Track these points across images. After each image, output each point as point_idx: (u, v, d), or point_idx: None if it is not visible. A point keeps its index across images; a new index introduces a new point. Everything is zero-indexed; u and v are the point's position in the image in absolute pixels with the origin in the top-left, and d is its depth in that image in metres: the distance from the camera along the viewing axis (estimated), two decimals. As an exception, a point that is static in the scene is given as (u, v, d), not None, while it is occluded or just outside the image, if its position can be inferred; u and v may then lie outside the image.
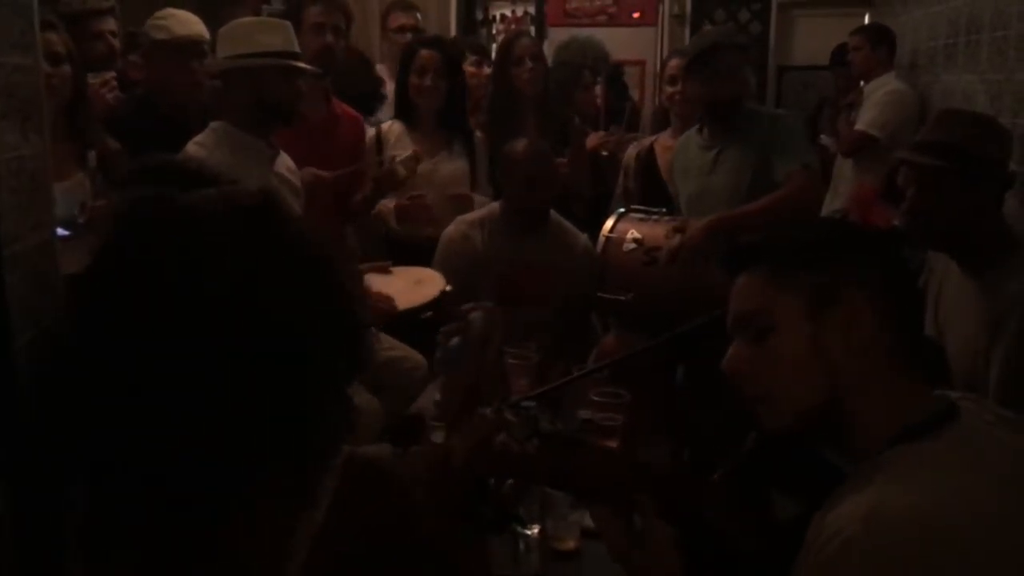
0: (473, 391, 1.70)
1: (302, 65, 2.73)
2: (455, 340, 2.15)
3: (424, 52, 3.39)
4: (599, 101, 4.42)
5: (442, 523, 1.15)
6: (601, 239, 2.85)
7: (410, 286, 2.75)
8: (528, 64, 3.57)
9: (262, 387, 0.73)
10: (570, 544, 1.77)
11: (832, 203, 4.54)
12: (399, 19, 4.18)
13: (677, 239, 2.71)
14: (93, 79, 3.09)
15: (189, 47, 3.13)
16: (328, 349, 0.78)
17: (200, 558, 0.75)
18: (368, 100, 3.85)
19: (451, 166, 3.42)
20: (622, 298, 2.72)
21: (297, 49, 2.75)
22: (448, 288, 2.70)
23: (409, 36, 4.10)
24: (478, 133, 3.55)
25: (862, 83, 4.64)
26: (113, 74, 3.23)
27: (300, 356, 0.75)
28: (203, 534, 0.74)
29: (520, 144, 2.94)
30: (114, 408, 0.72)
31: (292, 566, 0.82)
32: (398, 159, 3.21)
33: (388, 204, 3.31)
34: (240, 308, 0.72)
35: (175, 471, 0.71)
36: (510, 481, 1.23)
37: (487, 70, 3.98)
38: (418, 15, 4.22)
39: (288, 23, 2.81)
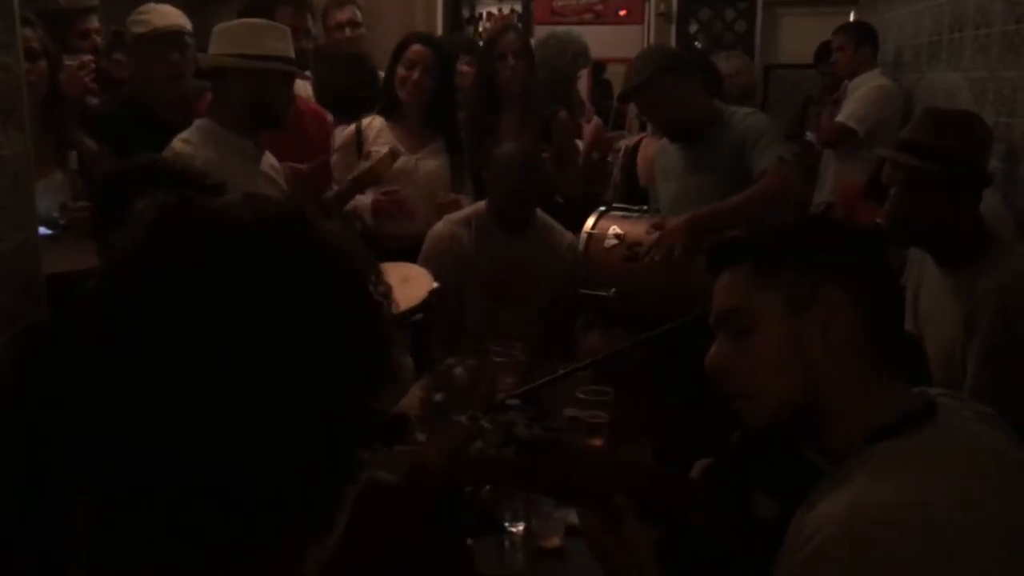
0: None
1: (301, 73, 2.75)
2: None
3: (416, 47, 3.35)
4: (586, 99, 4.42)
5: (428, 529, 1.14)
6: (583, 235, 2.85)
7: (397, 285, 2.72)
8: (510, 61, 3.51)
9: (286, 401, 0.71)
10: (555, 542, 1.77)
11: (818, 196, 4.57)
12: (336, 16, 4.10)
13: (656, 235, 2.71)
14: (70, 60, 3.07)
15: (169, 38, 3.11)
16: (357, 364, 0.76)
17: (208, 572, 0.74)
18: (361, 91, 3.82)
19: (431, 163, 3.38)
20: (604, 294, 2.73)
21: (293, 55, 2.75)
22: (436, 286, 2.69)
23: (348, 32, 4.06)
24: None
25: (846, 81, 4.66)
26: (90, 57, 3.21)
27: (327, 370, 0.73)
28: (213, 550, 0.73)
29: (511, 153, 2.93)
30: (128, 416, 0.70)
31: None
32: (374, 157, 3.19)
33: (364, 200, 3.28)
34: (270, 319, 0.70)
35: (187, 482, 0.70)
36: (488, 487, 1.23)
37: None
38: (356, 10, 4.12)
39: (288, 29, 2.80)
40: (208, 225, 0.74)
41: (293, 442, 0.72)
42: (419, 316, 2.58)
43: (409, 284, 2.70)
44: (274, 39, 2.67)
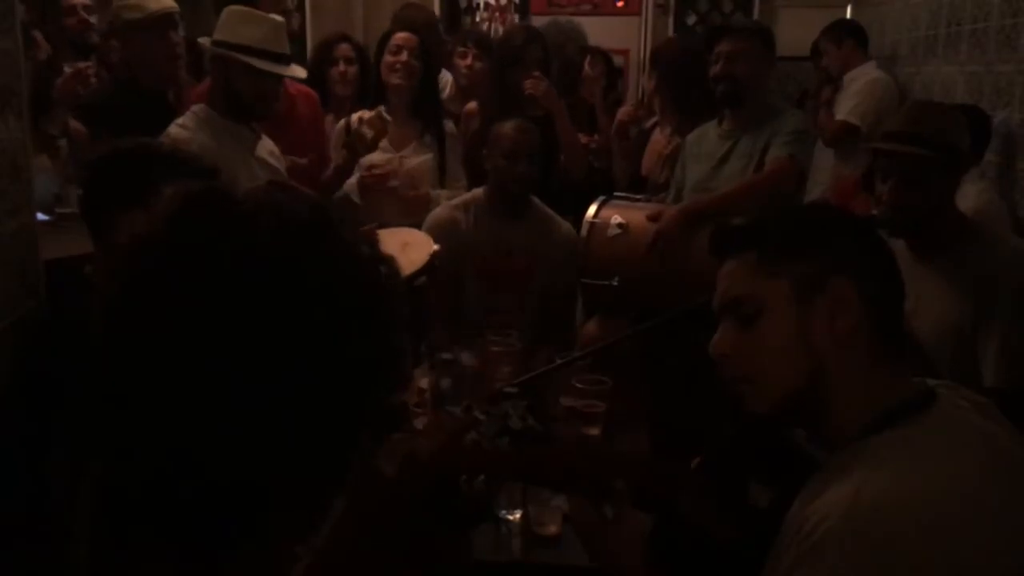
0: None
1: (265, 67, 2.63)
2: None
3: (400, 34, 3.38)
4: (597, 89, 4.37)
5: (425, 518, 1.14)
6: (585, 225, 2.83)
7: (398, 250, 2.72)
8: (534, 72, 3.51)
9: (297, 408, 0.70)
10: (552, 529, 1.78)
11: (812, 192, 4.53)
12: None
13: (653, 229, 2.71)
14: (69, 68, 3.06)
15: (165, 20, 3.08)
16: (368, 374, 0.75)
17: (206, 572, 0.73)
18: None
19: (417, 159, 3.37)
20: (607, 283, 2.71)
21: (281, 48, 2.69)
22: (437, 248, 2.69)
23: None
24: (450, 123, 3.49)
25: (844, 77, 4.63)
26: (90, 64, 3.19)
27: (339, 378, 0.73)
28: (210, 550, 0.72)
29: (508, 121, 2.95)
30: (139, 415, 0.69)
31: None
32: (364, 119, 3.15)
33: (351, 182, 3.29)
34: (287, 324, 0.70)
35: (186, 481, 0.69)
36: (482, 477, 1.23)
37: (480, 64, 3.94)
38: None
39: (281, 20, 2.75)
40: (235, 221, 0.73)
41: (308, 441, 0.71)
42: (422, 280, 2.58)
43: (410, 248, 2.70)
44: (249, 26, 2.63)
